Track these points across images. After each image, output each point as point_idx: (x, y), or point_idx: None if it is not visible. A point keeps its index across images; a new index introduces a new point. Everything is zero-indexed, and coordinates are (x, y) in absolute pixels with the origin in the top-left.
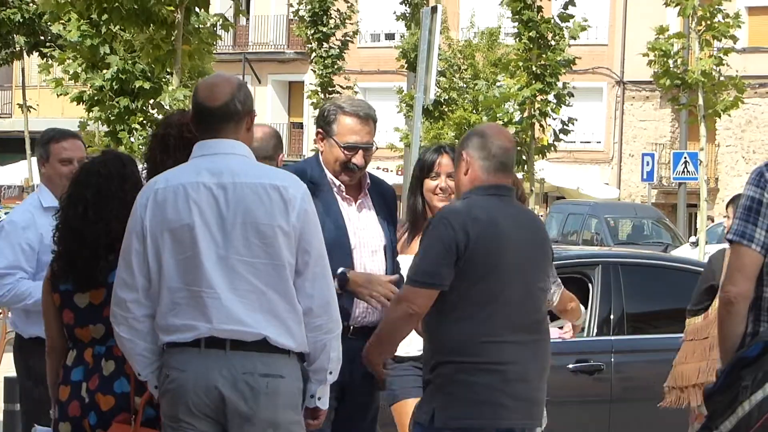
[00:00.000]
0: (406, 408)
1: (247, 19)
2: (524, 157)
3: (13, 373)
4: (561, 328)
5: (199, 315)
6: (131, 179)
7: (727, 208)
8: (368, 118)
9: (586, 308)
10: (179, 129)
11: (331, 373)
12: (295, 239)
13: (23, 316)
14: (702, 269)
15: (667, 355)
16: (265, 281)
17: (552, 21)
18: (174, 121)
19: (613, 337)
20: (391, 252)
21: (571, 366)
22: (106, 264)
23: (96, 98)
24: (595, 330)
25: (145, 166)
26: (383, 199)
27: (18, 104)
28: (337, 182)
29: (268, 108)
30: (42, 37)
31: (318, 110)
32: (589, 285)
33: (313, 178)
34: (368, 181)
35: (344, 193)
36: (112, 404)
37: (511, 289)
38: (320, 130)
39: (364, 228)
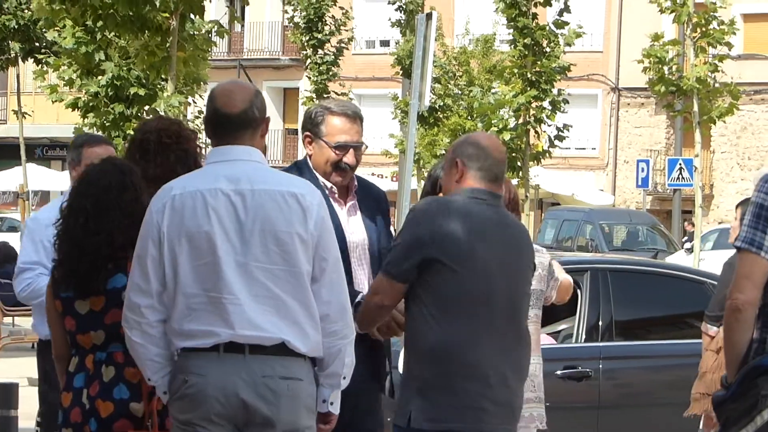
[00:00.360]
0: None
1: (242, 26)
2: (519, 164)
3: (6, 379)
4: (550, 334)
5: (219, 321)
6: (130, 189)
7: (736, 209)
8: (356, 117)
9: (574, 315)
10: (158, 134)
11: (344, 378)
12: (312, 246)
13: (40, 317)
14: (692, 275)
15: (656, 362)
16: (283, 288)
17: (547, 28)
18: (152, 127)
19: (601, 344)
20: (378, 257)
21: (559, 372)
22: (105, 273)
23: (91, 104)
24: (584, 336)
25: None
26: (376, 203)
27: (13, 110)
28: (329, 185)
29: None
30: (37, 44)
31: (303, 114)
32: (578, 291)
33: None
34: (356, 183)
35: (336, 196)
36: (111, 410)
37: (492, 294)
38: (308, 132)
39: (353, 232)
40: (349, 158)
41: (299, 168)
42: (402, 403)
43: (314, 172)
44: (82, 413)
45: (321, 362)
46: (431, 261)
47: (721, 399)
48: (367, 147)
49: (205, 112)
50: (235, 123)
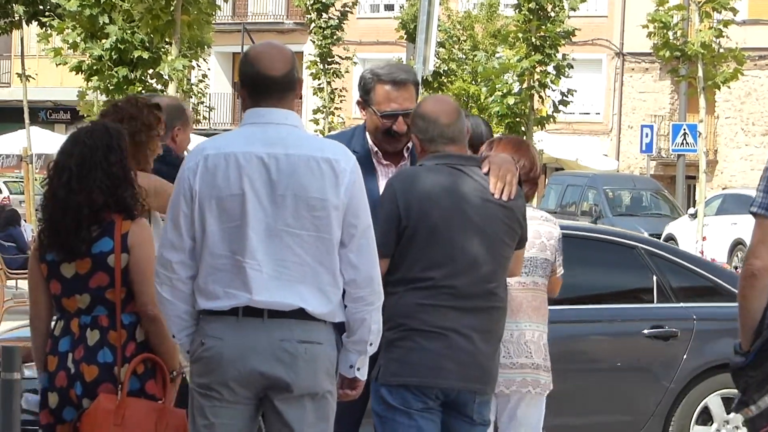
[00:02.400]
0: None
1: None
2: (523, 128)
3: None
4: None
5: (240, 284)
6: (116, 151)
7: None
8: (406, 83)
9: None
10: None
11: (371, 344)
12: (342, 212)
13: None
14: (623, 240)
15: (595, 327)
16: (311, 254)
17: None
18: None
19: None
20: None
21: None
22: (88, 234)
23: (95, 68)
24: None
25: None
26: None
27: (17, 73)
28: (375, 148)
29: None
30: (41, 7)
31: (359, 78)
32: None
33: (356, 146)
34: (409, 145)
35: (383, 160)
36: (95, 374)
37: (452, 255)
38: (360, 99)
39: None
40: (398, 126)
41: (354, 130)
42: (377, 359)
43: (366, 135)
44: (68, 377)
45: (347, 328)
46: (402, 228)
47: (739, 366)
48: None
49: (242, 74)
50: (279, 85)
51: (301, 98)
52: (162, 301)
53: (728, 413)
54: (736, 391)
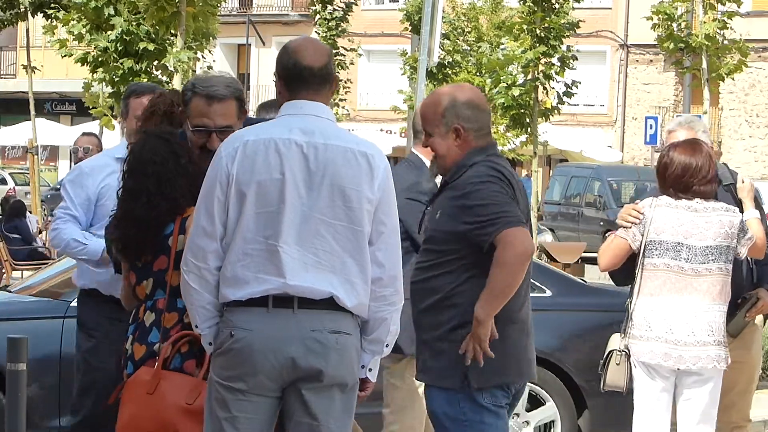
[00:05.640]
0: None
1: None
2: (527, 120)
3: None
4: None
5: (273, 269)
6: (182, 153)
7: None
8: (224, 99)
9: None
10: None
11: (387, 345)
12: (374, 207)
13: (79, 269)
14: None
15: None
16: (342, 245)
17: None
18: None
19: None
20: None
21: None
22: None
23: (100, 59)
24: None
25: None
26: None
27: (22, 65)
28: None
29: (272, 70)
30: None
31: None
32: None
33: None
34: None
35: None
36: (143, 353)
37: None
38: (182, 110)
39: None
40: (211, 143)
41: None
42: (445, 366)
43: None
44: (124, 359)
45: (365, 327)
46: None
47: None
48: (233, 131)
49: (280, 66)
50: (317, 77)
51: None
52: (188, 291)
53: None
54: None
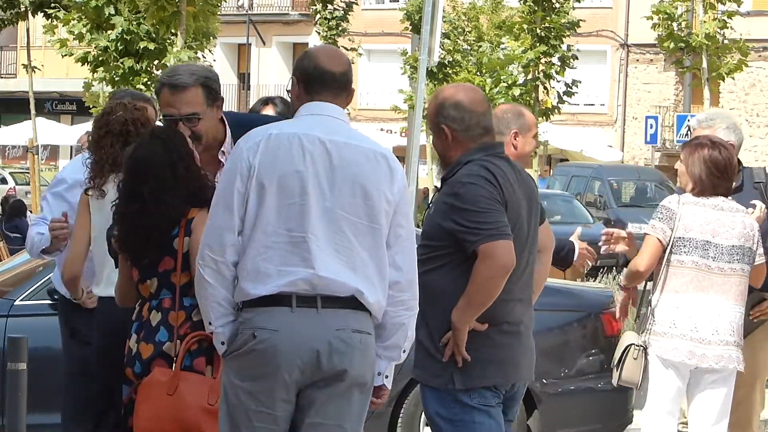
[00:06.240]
0: None
1: None
2: None
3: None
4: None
5: (299, 260)
6: (179, 163)
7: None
8: (187, 87)
9: None
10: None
11: (404, 351)
12: (393, 209)
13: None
14: None
15: None
16: (362, 242)
17: None
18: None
19: None
20: None
21: None
22: (159, 250)
23: (100, 59)
24: None
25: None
26: None
27: (23, 65)
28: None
29: (273, 70)
30: None
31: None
32: None
33: None
34: (224, 149)
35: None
36: (150, 352)
37: (524, 250)
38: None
39: None
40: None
41: None
42: (437, 366)
43: None
44: (129, 357)
45: (381, 332)
46: None
47: None
48: (199, 117)
49: (300, 70)
50: (336, 81)
51: None
52: (203, 285)
53: None
54: None
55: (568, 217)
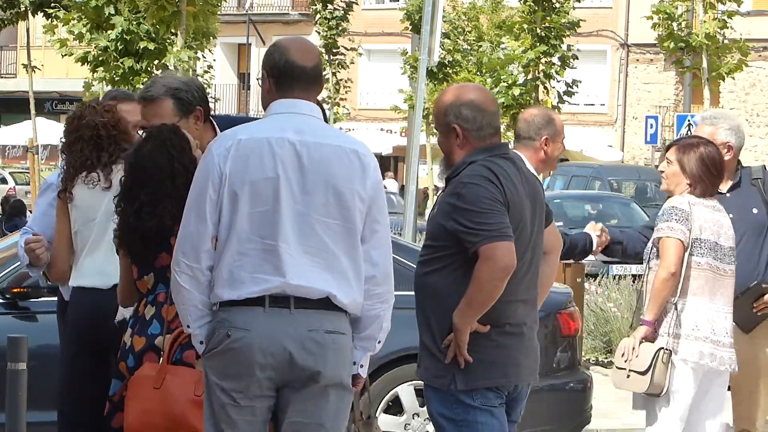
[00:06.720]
0: None
1: None
2: None
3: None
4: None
5: (271, 269)
6: (182, 173)
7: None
8: (155, 99)
9: None
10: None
11: (379, 342)
12: (367, 206)
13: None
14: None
15: None
16: (336, 243)
17: None
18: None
19: None
20: None
21: None
22: (155, 248)
23: (100, 59)
24: None
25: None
26: None
27: (23, 64)
28: None
29: None
30: None
31: None
32: None
33: None
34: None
35: None
36: (142, 344)
37: (527, 250)
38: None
39: None
40: None
41: None
42: (438, 367)
43: None
44: (122, 351)
45: (357, 324)
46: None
47: None
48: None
49: (270, 64)
50: (308, 76)
51: None
52: (179, 290)
53: (421, 405)
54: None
55: (626, 221)
